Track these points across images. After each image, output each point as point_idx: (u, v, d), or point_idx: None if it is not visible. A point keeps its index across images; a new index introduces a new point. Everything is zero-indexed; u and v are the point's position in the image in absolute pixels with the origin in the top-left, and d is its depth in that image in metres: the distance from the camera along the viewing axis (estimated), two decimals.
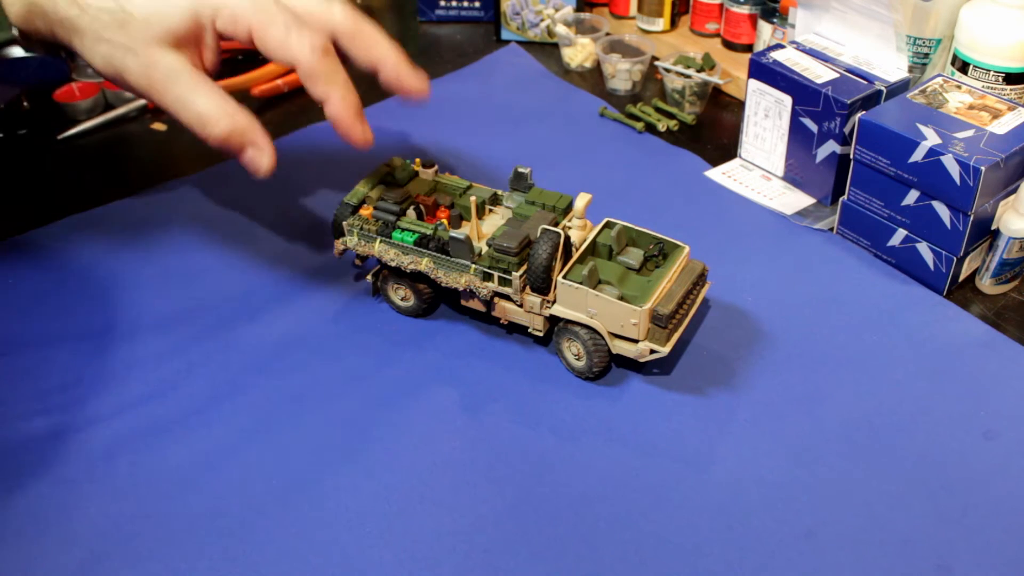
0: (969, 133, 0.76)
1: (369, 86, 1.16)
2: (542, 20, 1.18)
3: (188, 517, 0.64)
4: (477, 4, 1.25)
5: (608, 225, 0.75)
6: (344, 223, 0.77)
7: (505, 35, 1.21)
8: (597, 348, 0.71)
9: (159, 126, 1.07)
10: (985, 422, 0.69)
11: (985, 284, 0.81)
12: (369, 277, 0.80)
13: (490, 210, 0.78)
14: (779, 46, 0.92)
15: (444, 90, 1.11)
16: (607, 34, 1.14)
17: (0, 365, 0.76)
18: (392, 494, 0.65)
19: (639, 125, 1.03)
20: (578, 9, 1.18)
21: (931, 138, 0.76)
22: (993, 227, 0.79)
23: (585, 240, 0.73)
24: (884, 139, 0.78)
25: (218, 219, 0.91)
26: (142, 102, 1.08)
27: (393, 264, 0.75)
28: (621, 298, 0.69)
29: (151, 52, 0.66)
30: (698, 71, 1.04)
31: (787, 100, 0.89)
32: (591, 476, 0.66)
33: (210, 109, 0.67)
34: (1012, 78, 0.84)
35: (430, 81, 0.75)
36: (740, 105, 1.06)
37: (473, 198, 0.74)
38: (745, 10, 1.09)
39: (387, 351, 0.77)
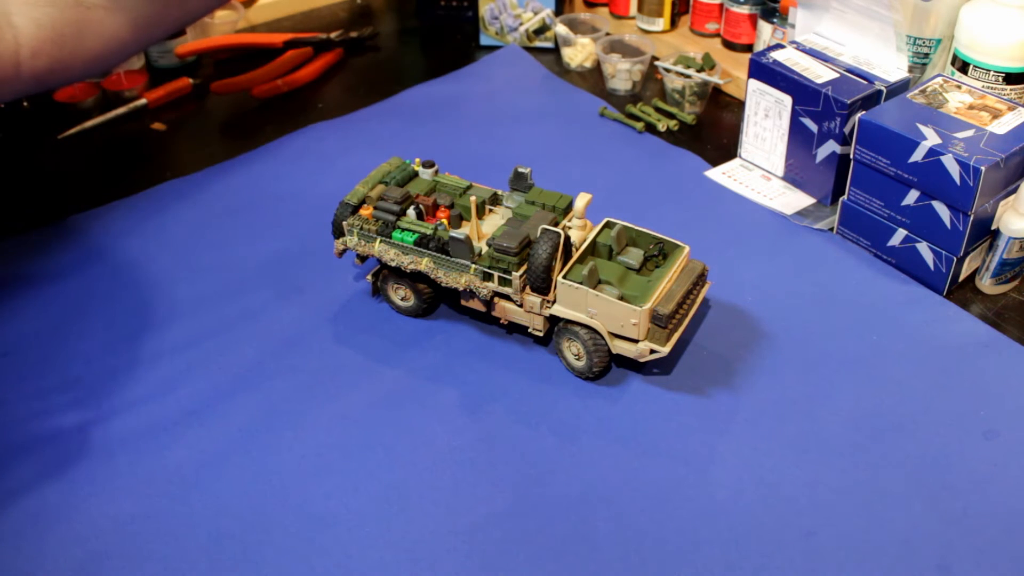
0: (969, 133, 0.76)
1: (370, 86, 1.16)
2: (521, 24, 1.17)
3: (188, 517, 0.64)
4: (466, 5, 1.24)
5: (608, 225, 0.75)
6: (344, 223, 0.77)
7: (484, 40, 1.20)
8: (597, 348, 0.71)
9: (159, 126, 1.07)
10: (985, 422, 0.69)
11: (985, 284, 0.81)
12: (369, 277, 0.80)
13: (490, 210, 0.78)
14: (779, 46, 0.92)
15: (444, 90, 1.11)
16: (607, 34, 1.14)
17: (0, 365, 0.76)
18: (392, 494, 0.65)
19: (639, 125, 1.03)
20: (558, 12, 1.17)
21: (931, 138, 0.76)
22: (993, 227, 0.79)
23: (585, 240, 0.73)
24: (884, 139, 0.78)
25: (217, 220, 0.91)
26: (142, 102, 1.08)
27: (393, 264, 0.75)
28: (621, 298, 0.69)
29: None
30: (698, 71, 1.04)
31: (787, 100, 0.89)
32: (591, 476, 0.66)
33: None
34: (1012, 78, 0.84)
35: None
36: (740, 105, 1.06)
37: (473, 198, 0.74)
38: (745, 10, 1.09)
39: (387, 351, 0.77)
